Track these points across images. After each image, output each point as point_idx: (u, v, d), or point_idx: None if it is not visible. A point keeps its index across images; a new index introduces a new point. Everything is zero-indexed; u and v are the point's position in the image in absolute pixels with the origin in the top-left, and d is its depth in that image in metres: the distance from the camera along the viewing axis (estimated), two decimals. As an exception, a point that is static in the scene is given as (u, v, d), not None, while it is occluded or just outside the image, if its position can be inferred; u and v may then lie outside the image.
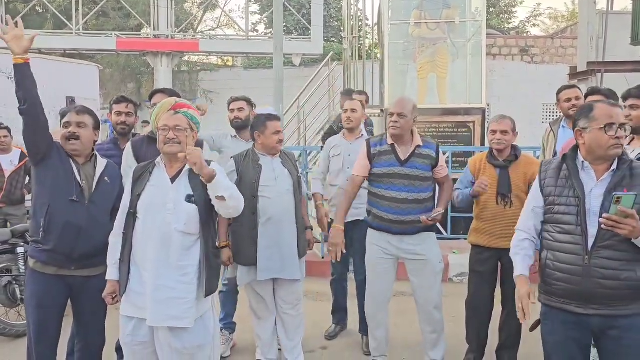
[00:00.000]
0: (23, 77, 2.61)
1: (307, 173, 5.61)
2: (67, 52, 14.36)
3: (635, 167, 2.25)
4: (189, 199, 2.47)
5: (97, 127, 2.91)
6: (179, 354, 2.45)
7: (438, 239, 3.53)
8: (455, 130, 6.75)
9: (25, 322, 3.71)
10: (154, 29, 15.13)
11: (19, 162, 5.52)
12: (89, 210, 2.76)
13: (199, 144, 3.10)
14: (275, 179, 3.36)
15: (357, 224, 3.84)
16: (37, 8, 16.74)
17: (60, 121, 3.42)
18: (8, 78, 2.67)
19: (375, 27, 10.88)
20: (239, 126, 3.92)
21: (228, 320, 3.90)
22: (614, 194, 2.12)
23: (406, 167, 3.28)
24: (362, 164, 3.40)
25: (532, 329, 2.47)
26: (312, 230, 3.71)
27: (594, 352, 2.40)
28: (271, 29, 13.02)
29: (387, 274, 3.41)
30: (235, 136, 3.94)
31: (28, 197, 5.47)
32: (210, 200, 2.49)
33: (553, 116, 13.05)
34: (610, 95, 3.62)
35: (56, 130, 3.23)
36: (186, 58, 17.64)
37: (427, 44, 7.20)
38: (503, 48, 14.40)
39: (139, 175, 2.57)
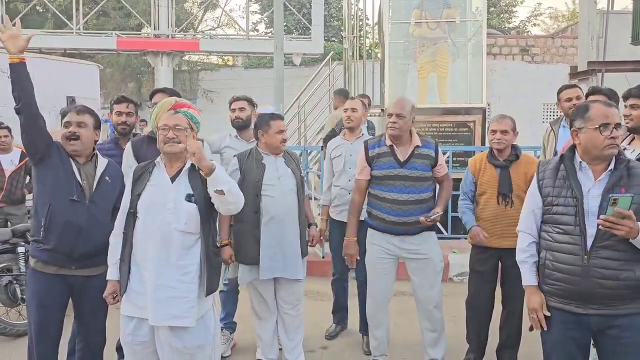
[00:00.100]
0: (19, 76, 2.61)
1: (307, 173, 5.61)
2: (68, 51, 14.38)
3: (632, 166, 2.26)
4: (189, 198, 2.47)
5: (97, 126, 2.91)
6: (180, 354, 2.45)
7: (438, 238, 3.54)
8: (456, 129, 6.74)
9: (25, 321, 3.73)
10: (155, 29, 15.13)
11: (20, 162, 5.52)
12: (89, 210, 2.76)
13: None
14: (278, 178, 3.36)
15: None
16: (38, 7, 16.75)
17: (61, 121, 3.42)
18: (8, 77, 2.67)
19: (376, 27, 10.88)
20: (240, 126, 3.91)
21: (228, 320, 3.90)
22: (610, 195, 2.13)
23: (406, 169, 3.28)
24: (363, 166, 3.41)
25: (532, 328, 2.48)
26: (316, 227, 3.72)
27: (593, 351, 2.41)
28: (271, 29, 13.03)
29: (387, 274, 3.41)
30: (236, 136, 3.94)
31: (28, 196, 5.48)
32: (210, 199, 2.48)
33: (553, 116, 13.05)
34: (611, 94, 3.62)
35: (56, 130, 3.23)
36: (186, 57, 17.67)
37: (428, 44, 7.19)
38: (503, 47, 14.40)
39: (139, 175, 2.56)
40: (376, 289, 3.45)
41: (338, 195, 4.03)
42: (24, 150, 4.97)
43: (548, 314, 2.35)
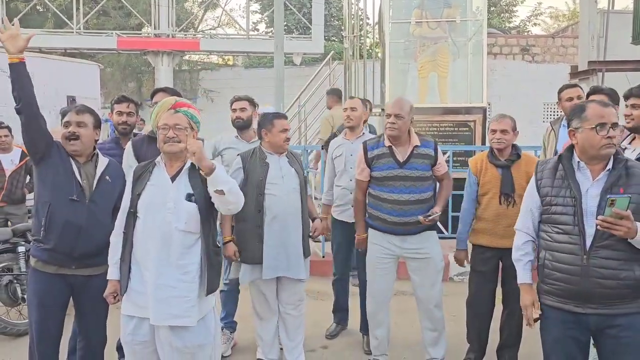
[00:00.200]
0: (19, 76, 2.62)
1: (307, 172, 5.61)
2: (68, 51, 14.37)
3: (630, 166, 2.26)
4: (189, 197, 2.47)
5: (97, 126, 2.91)
6: (180, 353, 2.45)
7: (439, 237, 3.55)
8: (456, 129, 6.73)
9: (26, 321, 3.74)
10: (155, 28, 15.12)
11: (20, 161, 5.52)
12: (89, 210, 2.76)
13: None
14: (282, 177, 3.36)
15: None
16: (38, 7, 16.73)
17: (61, 120, 3.42)
18: (8, 77, 2.67)
19: (376, 26, 10.85)
20: (241, 126, 3.91)
21: (229, 320, 3.90)
22: (608, 196, 2.13)
23: (405, 169, 3.28)
24: (362, 167, 3.41)
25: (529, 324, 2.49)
26: (320, 221, 3.71)
27: (593, 351, 2.41)
28: (272, 28, 13.04)
29: (387, 274, 3.41)
30: (236, 136, 3.93)
31: (29, 196, 5.49)
32: (210, 198, 2.48)
33: (554, 115, 13.05)
34: (612, 94, 3.61)
35: (57, 130, 3.23)
36: (187, 57, 17.65)
37: (428, 43, 7.19)
38: (504, 47, 14.38)
39: (139, 174, 2.56)
40: (376, 288, 3.45)
41: (340, 195, 4.04)
42: (25, 150, 4.99)
43: (539, 312, 2.37)
